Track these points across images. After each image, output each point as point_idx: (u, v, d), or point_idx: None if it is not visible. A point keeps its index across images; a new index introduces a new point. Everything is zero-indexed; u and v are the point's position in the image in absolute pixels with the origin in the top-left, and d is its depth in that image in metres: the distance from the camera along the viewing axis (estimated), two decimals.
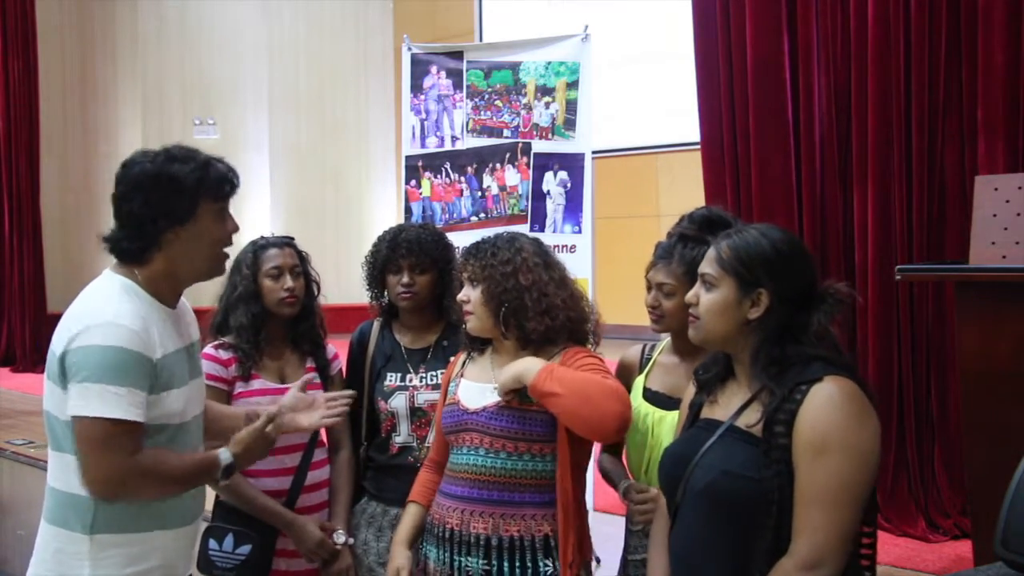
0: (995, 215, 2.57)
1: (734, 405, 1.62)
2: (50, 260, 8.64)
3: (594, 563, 2.11)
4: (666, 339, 2.13)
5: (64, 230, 9.46)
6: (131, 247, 1.79)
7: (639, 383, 2.10)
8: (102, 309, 1.74)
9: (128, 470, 1.70)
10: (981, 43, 3.35)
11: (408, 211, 4.36)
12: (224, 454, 1.85)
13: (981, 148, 3.34)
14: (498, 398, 2.00)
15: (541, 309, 2.01)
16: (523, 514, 1.98)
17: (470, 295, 2.04)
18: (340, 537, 2.40)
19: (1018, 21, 3.28)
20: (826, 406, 1.48)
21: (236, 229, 1.88)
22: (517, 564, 1.96)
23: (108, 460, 1.69)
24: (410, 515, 2.15)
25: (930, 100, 3.51)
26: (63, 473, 1.76)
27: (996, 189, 2.60)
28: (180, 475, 1.78)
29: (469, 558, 1.97)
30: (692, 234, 2.02)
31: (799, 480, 1.47)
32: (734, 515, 1.53)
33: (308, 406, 2.23)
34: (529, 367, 1.93)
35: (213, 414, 2.09)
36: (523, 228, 4.10)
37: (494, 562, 1.96)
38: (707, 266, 1.65)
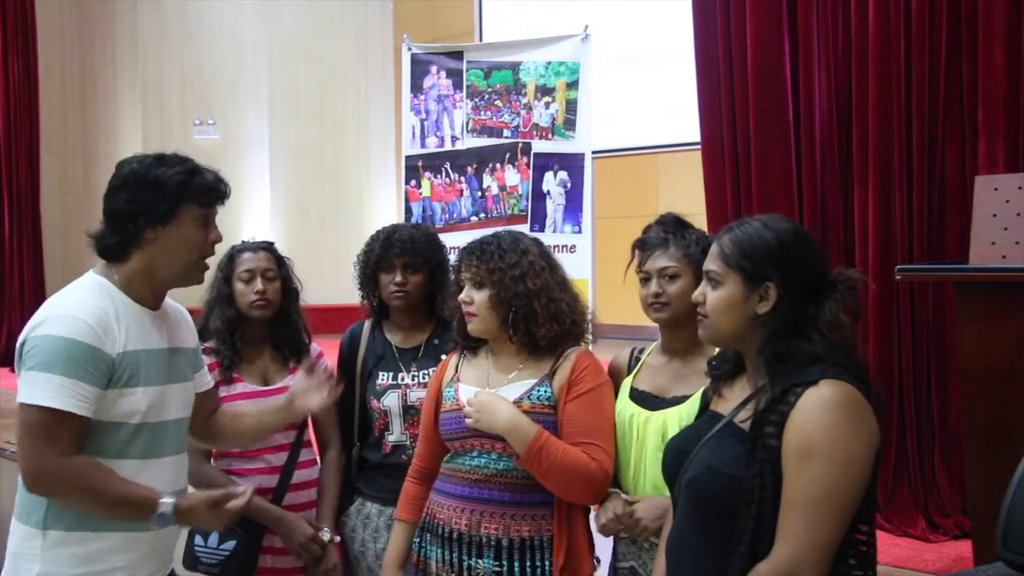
0: (995, 215, 2.57)
1: (737, 399, 1.59)
2: (50, 260, 8.62)
3: (593, 562, 2.11)
4: (656, 341, 2.13)
5: (64, 230, 9.45)
6: (112, 244, 1.82)
7: (627, 384, 2.09)
8: (63, 302, 1.78)
9: (54, 470, 1.68)
10: (981, 43, 3.34)
11: (408, 211, 4.37)
12: (166, 503, 1.75)
13: (982, 148, 3.34)
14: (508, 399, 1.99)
15: (550, 315, 2.00)
16: (533, 514, 1.98)
17: (473, 297, 2.02)
18: (326, 535, 2.41)
19: (1018, 21, 3.28)
20: (816, 411, 1.43)
21: (218, 239, 1.88)
22: (528, 564, 1.96)
23: (39, 452, 1.68)
24: (401, 535, 2.13)
25: (930, 100, 3.51)
26: None
27: (996, 189, 2.60)
28: (108, 499, 1.73)
29: (480, 560, 1.97)
30: (672, 229, 2.02)
31: (785, 485, 1.44)
32: (714, 513, 1.51)
33: (317, 387, 2.23)
34: (519, 435, 1.91)
35: (235, 412, 2.13)
36: (523, 228, 4.11)
37: (504, 562, 1.96)
38: (711, 263, 1.61)
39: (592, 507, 2.08)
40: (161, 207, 1.80)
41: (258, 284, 2.42)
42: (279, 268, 2.49)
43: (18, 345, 1.76)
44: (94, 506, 1.74)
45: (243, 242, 2.55)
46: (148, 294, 1.86)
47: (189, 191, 1.81)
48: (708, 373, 1.73)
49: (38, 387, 1.68)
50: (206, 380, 2.09)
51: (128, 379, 1.77)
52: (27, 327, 1.76)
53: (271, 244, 2.55)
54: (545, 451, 1.89)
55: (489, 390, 2.03)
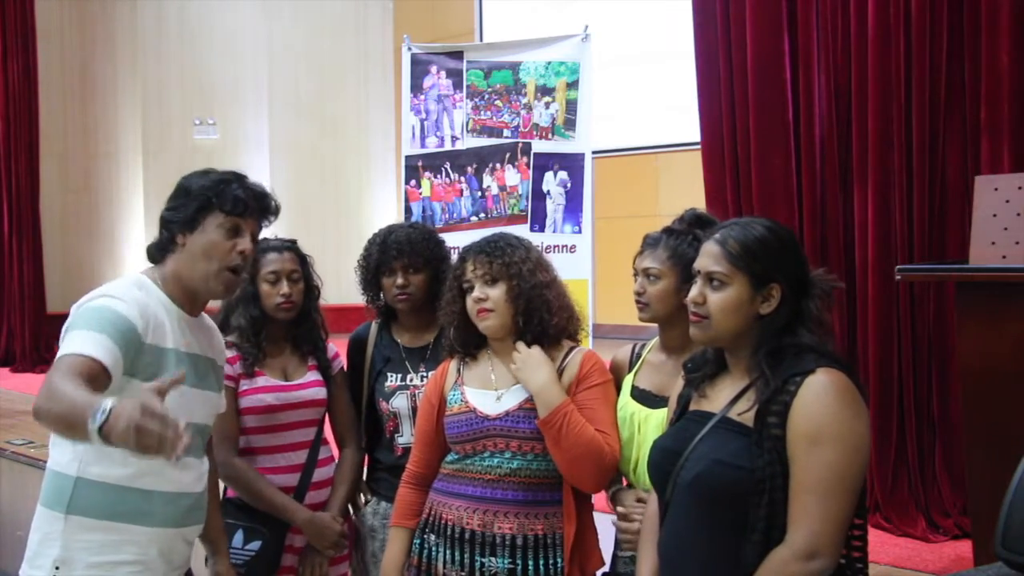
0: (995, 215, 2.57)
1: (725, 397, 1.62)
2: (50, 260, 8.62)
3: (601, 557, 2.13)
4: (656, 337, 2.14)
5: (64, 230, 9.45)
6: (152, 247, 1.94)
7: (628, 381, 2.12)
8: (106, 287, 1.86)
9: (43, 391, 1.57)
10: (985, 44, 3.34)
11: (408, 211, 4.37)
12: (107, 403, 1.44)
13: (984, 149, 3.33)
14: (518, 401, 2.02)
15: (560, 304, 2.07)
16: (546, 512, 2.01)
17: (489, 294, 2.04)
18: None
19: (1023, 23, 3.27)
20: (820, 398, 1.49)
21: (246, 250, 1.89)
22: (541, 561, 1.98)
23: (55, 381, 1.57)
24: (400, 543, 2.13)
25: (931, 100, 3.51)
26: (57, 451, 1.83)
27: (996, 189, 2.60)
28: (61, 393, 1.54)
29: (493, 558, 1.98)
30: (680, 229, 2.04)
31: (795, 471, 1.48)
32: (726, 505, 1.54)
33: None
34: (548, 397, 1.96)
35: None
36: (523, 228, 4.11)
37: (519, 561, 1.97)
38: (714, 264, 1.63)
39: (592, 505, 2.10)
40: (188, 214, 1.87)
41: (284, 287, 2.42)
42: (302, 268, 2.49)
43: (64, 328, 1.77)
44: (52, 402, 1.54)
45: (266, 239, 2.52)
46: (183, 298, 1.91)
47: (214, 198, 1.87)
48: (686, 375, 1.75)
49: (72, 341, 1.68)
50: (222, 403, 2.11)
51: (151, 369, 1.79)
52: (72, 308, 1.81)
53: (295, 243, 2.52)
54: (569, 419, 1.93)
55: (497, 392, 2.06)
